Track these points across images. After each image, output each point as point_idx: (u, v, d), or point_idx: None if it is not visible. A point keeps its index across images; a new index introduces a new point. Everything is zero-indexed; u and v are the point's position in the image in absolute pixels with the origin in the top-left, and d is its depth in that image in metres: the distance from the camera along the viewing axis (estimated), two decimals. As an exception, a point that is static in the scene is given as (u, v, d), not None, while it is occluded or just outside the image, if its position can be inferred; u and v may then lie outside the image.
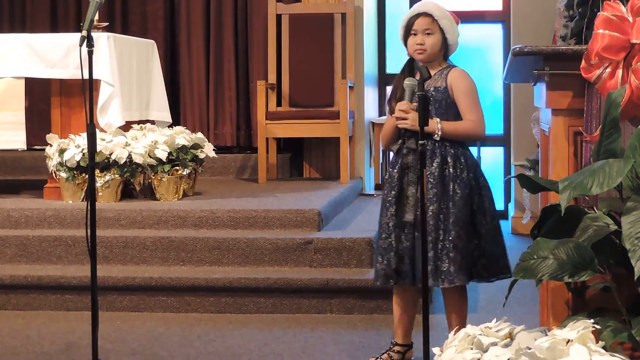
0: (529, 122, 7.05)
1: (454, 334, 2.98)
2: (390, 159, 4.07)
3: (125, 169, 5.84)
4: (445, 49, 4.03)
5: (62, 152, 5.84)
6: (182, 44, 7.91)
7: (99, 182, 5.79)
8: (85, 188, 5.81)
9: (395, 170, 3.97)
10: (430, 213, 3.88)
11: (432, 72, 3.97)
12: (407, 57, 4.07)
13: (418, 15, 3.98)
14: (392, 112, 4.01)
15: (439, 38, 3.98)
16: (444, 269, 3.86)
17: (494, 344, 2.83)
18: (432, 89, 3.95)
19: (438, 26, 3.97)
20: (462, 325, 3.91)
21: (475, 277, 3.95)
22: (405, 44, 4.03)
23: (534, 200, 6.93)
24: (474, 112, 3.96)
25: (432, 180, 3.90)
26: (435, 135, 3.88)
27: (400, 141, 3.99)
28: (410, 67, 4.06)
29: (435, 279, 3.87)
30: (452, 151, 3.93)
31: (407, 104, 3.87)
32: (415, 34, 3.97)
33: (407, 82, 3.85)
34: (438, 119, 3.90)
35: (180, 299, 5.15)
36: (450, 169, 3.92)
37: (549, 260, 3.02)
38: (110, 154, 5.76)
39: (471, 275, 3.94)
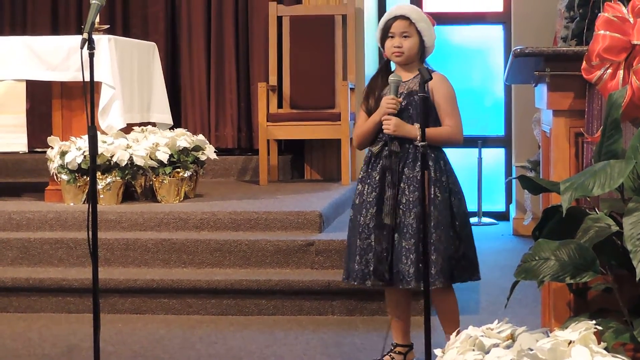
0: (530, 124, 7.05)
1: (456, 336, 2.98)
2: (365, 159, 4.06)
3: (127, 171, 5.84)
4: (422, 51, 4.04)
5: (63, 154, 5.84)
6: (183, 46, 7.92)
7: (100, 185, 5.79)
8: (87, 190, 5.82)
9: (376, 172, 3.99)
10: (413, 216, 3.90)
11: (411, 76, 4.01)
12: (384, 59, 4.11)
13: (395, 18, 4.00)
14: (368, 112, 4.03)
15: (416, 41, 4.00)
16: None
17: (496, 345, 2.83)
18: (413, 92, 3.97)
19: (415, 29, 3.99)
20: (454, 325, 3.93)
21: (457, 279, 3.99)
22: (383, 46, 4.05)
23: (535, 202, 6.93)
24: (453, 118, 4.00)
25: (415, 183, 3.91)
26: (417, 141, 3.88)
27: (381, 143, 3.99)
28: (386, 69, 4.10)
29: (417, 280, 3.88)
30: (433, 155, 3.96)
31: (394, 97, 3.90)
32: (392, 37, 4.00)
33: (392, 77, 3.93)
34: (419, 125, 3.90)
35: (182, 301, 5.15)
36: (432, 173, 3.94)
37: (550, 262, 3.02)
38: (112, 156, 5.76)
39: (453, 277, 3.96)
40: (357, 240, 4.00)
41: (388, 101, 3.93)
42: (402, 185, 3.94)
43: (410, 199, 3.91)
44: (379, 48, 4.13)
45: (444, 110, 3.98)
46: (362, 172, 4.06)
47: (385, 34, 4.02)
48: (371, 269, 3.96)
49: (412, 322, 4.23)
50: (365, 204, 4.00)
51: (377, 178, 3.98)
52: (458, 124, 4.00)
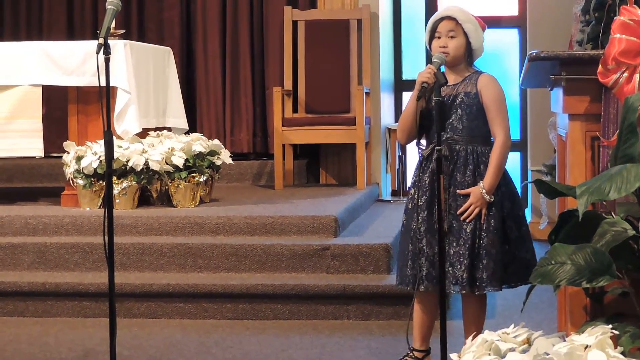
0: (546, 127, 7.03)
1: (472, 340, 2.97)
2: (417, 163, 4.04)
3: (142, 176, 5.85)
4: (469, 53, 4.02)
5: (79, 159, 5.86)
6: (198, 50, 7.93)
7: (116, 189, 5.80)
8: (103, 195, 5.83)
9: (426, 175, 3.95)
10: (467, 220, 3.88)
11: (460, 77, 3.99)
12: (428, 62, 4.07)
13: (442, 19, 4.00)
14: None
15: (462, 41, 3.98)
16: (478, 275, 3.86)
17: (512, 349, 2.83)
18: (462, 94, 3.95)
19: (462, 30, 3.98)
20: (479, 332, 3.89)
21: (505, 284, 3.94)
22: (431, 48, 4.04)
23: (551, 206, 6.91)
24: (502, 124, 3.96)
25: (466, 187, 3.89)
26: (489, 198, 3.87)
27: (431, 146, 3.96)
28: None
29: (470, 286, 3.85)
30: (484, 158, 3.92)
31: (430, 66, 3.84)
32: (439, 37, 3.99)
33: (437, 55, 3.90)
34: (481, 184, 3.88)
35: (198, 306, 5.16)
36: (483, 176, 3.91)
37: (566, 266, 3.01)
38: (127, 161, 5.77)
39: (503, 281, 3.92)
40: (410, 245, 3.96)
41: (424, 70, 3.86)
42: (451, 189, 3.92)
43: (462, 204, 3.89)
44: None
45: (493, 115, 3.95)
46: (414, 177, 4.02)
47: (432, 35, 4.01)
48: (424, 273, 3.92)
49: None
50: (416, 208, 3.96)
51: (427, 182, 3.94)
52: (507, 132, 3.97)
